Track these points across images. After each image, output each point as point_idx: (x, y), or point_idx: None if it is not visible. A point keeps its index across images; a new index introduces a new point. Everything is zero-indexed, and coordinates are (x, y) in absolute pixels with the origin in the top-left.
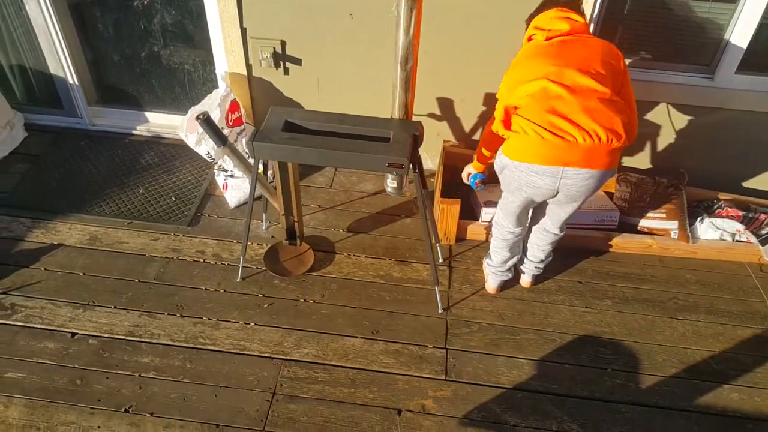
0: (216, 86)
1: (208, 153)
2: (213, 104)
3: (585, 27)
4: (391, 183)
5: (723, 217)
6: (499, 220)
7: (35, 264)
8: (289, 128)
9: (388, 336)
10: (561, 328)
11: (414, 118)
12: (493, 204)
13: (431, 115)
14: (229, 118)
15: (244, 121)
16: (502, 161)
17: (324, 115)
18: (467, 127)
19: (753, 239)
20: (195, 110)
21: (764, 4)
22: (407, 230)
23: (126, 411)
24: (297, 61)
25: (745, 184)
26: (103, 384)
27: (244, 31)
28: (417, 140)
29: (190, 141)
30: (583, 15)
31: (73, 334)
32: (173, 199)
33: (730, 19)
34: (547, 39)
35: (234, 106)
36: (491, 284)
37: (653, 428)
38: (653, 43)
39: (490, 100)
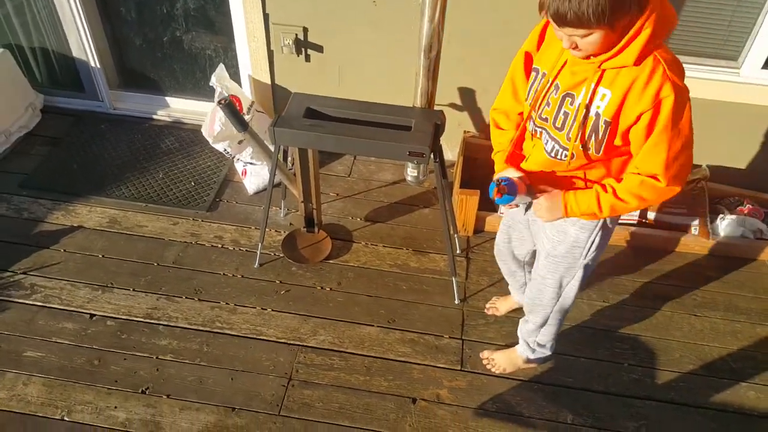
0: (236, 72)
1: (225, 149)
2: (212, 107)
3: None
4: (411, 172)
5: (745, 215)
6: None
7: (55, 245)
8: (311, 115)
9: (404, 325)
10: (578, 321)
11: (435, 108)
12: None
13: (452, 105)
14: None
15: (245, 113)
16: None
17: (346, 103)
18: (488, 118)
19: None
20: (211, 112)
21: None
22: (425, 220)
23: (143, 392)
24: (319, 48)
25: None
26: (120, 365)
27: (266, 17)
28: (439, 129)
29: (210, 140)
30: None
31: (92, 315)
32: (192, 184)
33: (759, 12)
34: None
35: (234, 101)
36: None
37: (668, 424)
38: (679, 37)
39: None
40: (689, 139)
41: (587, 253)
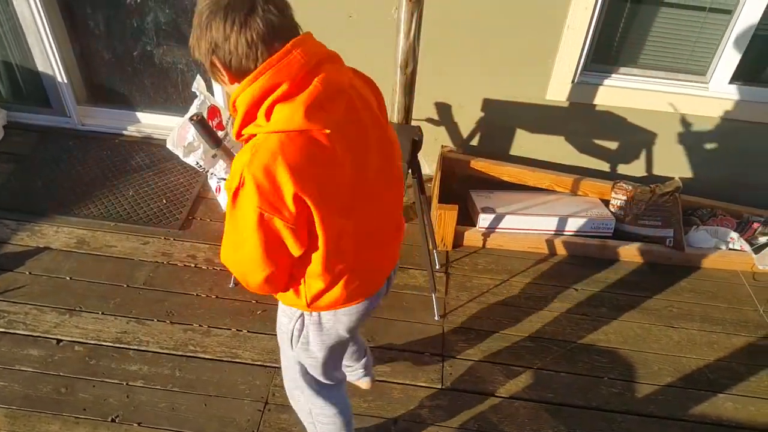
0: (209, 87)
1: (198, 163)
2: (192, 113)
3: None
4: None
5: (717, 226)
6: None
7: (20, 268)
8: None
9: (384, 343)
10: (557, 335)
11: (412, 123)
12: (491, 210)
13: (429, 120)
14: (210, 125)
15: (225, 126)
16: None
17: None
18: (465, 132)
19: (747, 247)
20: (181, 124)
21: (759, 15)
22: (404, 236)
23: (112, 420)
24: None
25: (740, 193)
26: (89, 392)
27: None
28: (417, 145)
29: (179, 153)
30: None
31: (59, 341)
32: (164, 201)
33: (725, 28)
34: None
35: (213, 112)
36: None
37: None
38: (649, 52)
39: (489, 105)
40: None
41: (294, 344)
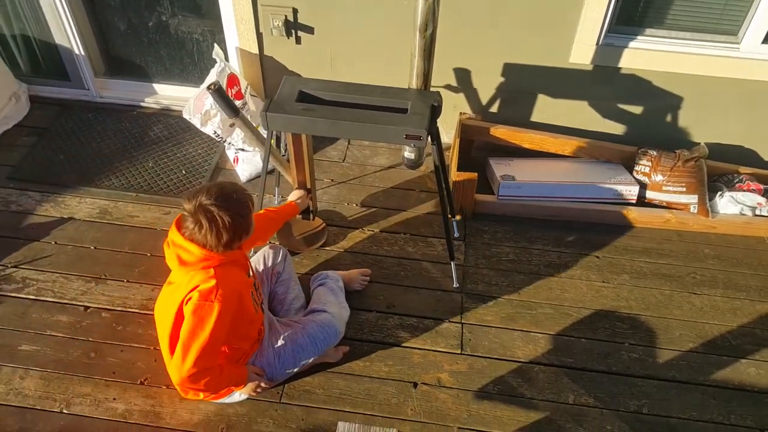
0: (225, 56)
1: (215, 132)
2: (211, 81)
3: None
4: (408, 155)
5: (744, 191)
6: None
7: (46, 238)
8: (304, 99)
9: (404, 310)
10: (577, 302)
11: (431, 89)
12: (510, 178)
13: (447, 87)
14: (229, 94)
15: (243, 94)
16: None
17: (339, 85)
18: (484, 99)
19: None
20: (198, 93)
21: None
22: (422, 204)
23: (141, 383)
24: (309, 30)
25: (767, 158)
26: (117, 357)
27: None
28: (436, 111)
29: (195, 122)
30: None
31: (86, 308)
32: (183, 172)
33: None
34: None
35: (232, 80)
36: None
37: (669, 402)
38: (677, 12)
39: (509, 71)
40: None
41: None
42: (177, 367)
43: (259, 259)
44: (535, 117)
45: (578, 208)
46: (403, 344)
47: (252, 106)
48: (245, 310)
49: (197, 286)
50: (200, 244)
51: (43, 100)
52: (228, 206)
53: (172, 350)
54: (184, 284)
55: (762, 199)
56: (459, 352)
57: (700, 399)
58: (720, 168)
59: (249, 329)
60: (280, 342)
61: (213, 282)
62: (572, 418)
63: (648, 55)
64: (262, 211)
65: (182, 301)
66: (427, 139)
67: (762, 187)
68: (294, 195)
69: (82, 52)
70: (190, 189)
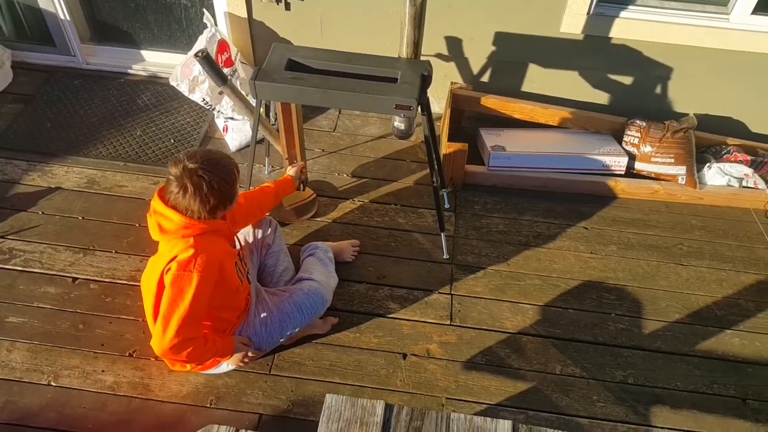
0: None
1: (204, 99)
2: (200, 47)
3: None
4: (398, 125)
5: (731, 162)
6: None
7: (32, 207)
8: (293, 67)
9: (393, 281)
10: (565, 273)
11: (421, 58)
12: (501, 148)
13: (438, 56)
14: (219, 60)
15: (233, 60)
16: None
17: (329, 54)
18: (475, 68)
19: (761, 184)
20: (186, 59)
21: None
22: (413, 175)
23: (130, 355)
24: None
25: (755, 130)
26: (106, 328)
27: None
28: (426, 80)
29: (183, 89)
30: None
31: (74, 279)
32: (172, 141)
33: None
34: None
35: (222, 46)
36: None
37: (655, 372)
38: None
39: (500, 40)
40: None
41: None
42: (158, 338)
43: (249, 230)
44: (526, 87)
45: (568, 179)
46: (393, 315)
47: (242, 73)
48: (228, 279)
49: (176, 256)
50: (182, 211)
51: (28, 66)
52: (214, 170)
53: (155, 321)
54: (165, 254)
55: (749, 171)
56: (448, 323)
57: (685, 369)
58: (708, 139)
59: (234, 300)
60: (267, 311)
61: (191, 251)
62: (559, 388)
63: (638, 24)
64: (257, 187)
65: (162, 271)
66: (417, 109)
67: (749, 158)
68: (290, 169)
69: (68, 17)
70: (176, 155)
